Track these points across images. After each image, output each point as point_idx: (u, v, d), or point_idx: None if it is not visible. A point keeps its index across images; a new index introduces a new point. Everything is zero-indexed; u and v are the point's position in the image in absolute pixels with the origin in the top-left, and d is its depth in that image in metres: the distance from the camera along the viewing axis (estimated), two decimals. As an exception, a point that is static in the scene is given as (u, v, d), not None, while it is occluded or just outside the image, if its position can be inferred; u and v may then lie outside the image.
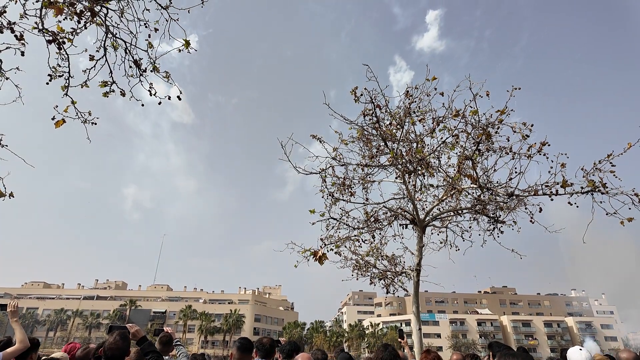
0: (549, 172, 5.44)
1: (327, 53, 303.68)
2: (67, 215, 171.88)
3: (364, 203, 7.13)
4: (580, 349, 4.78)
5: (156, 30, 3.79)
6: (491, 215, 6.96)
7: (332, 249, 6.89)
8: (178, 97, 3.97)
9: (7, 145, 3.68)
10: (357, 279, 7.73)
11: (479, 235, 7.22)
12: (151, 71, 3.90)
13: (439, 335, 76.06)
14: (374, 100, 6.04)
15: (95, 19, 3.60)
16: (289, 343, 3.71)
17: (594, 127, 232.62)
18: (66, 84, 3.76)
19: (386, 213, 7.42)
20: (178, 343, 4.57)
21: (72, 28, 3.58)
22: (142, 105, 4.09)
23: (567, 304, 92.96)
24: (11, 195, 3.90)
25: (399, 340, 5.38)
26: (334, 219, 6.93)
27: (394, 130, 6.34)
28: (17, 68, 3.69)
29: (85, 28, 3.64)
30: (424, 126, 6.50)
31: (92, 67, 3.73)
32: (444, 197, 7.05)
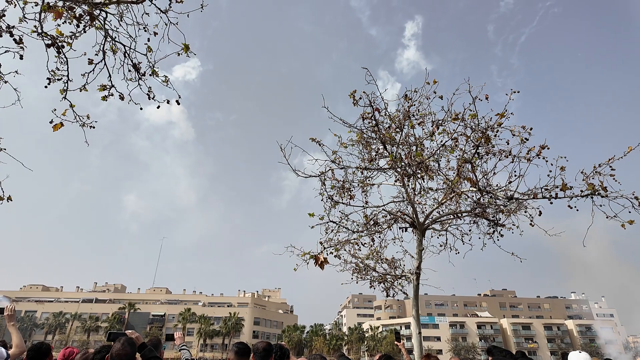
0: (549, 175, 5.45)
1: (319, 71, 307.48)
2: (66, 218, 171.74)
3: (363, 206, 7.11)
4: (580, 352, 4.76)
5: (155, 34, 3.79)
6: (491, 219, 6.95)
7: (331, 252, 6.87)
8: (177, 101, 3.97)
9: (5, 149, 3.67)
10: (357, 282, 7.72)
11: (479, 238, 7.24)
12: (150, 75, 3.90)
13: (438, 339, 75.78)
14: (372, 104, 6.03)
15: (94, 22, 3.60)
16: (277, 347, 3.71)
17: (594, 131, 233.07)
18: (65, 88, 3.75)
19: (386, 216, 7.41)
20: (184, 347, 4.59)
21: (71, 32, 3.58)
22: (141, 109, 4.09)
23: (567, 306, 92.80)
24: (9, 199, 3.89)
25: (396, 343, 5.38)
26: (334, 222, 6.92)
27: (393, 134, 6.33)
28: (16, 71, 3.69)
29: (85, 32, 3.64)
30: (423, 129, 6.49)
31: (91, 71, 3.73)
32: (444, 201, 7.04)
